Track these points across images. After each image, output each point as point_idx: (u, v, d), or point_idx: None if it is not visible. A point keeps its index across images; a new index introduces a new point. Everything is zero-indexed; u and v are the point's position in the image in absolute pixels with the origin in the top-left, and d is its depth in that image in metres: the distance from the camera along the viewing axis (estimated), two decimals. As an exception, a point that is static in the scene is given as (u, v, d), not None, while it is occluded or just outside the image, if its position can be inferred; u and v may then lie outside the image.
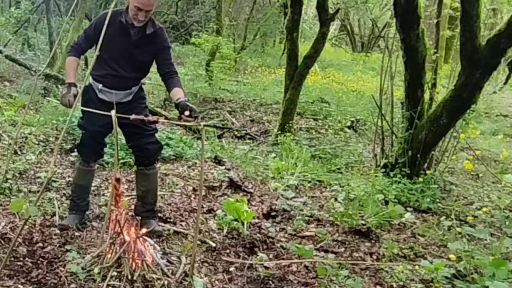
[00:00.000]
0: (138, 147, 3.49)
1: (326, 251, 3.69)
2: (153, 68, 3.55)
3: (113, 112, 2.84)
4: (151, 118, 3.18)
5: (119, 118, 3.10)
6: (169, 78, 3.41)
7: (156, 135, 3.56)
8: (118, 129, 3.04)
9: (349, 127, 8.06)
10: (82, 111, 3.49)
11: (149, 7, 3.19)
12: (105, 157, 4.94)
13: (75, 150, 5.04)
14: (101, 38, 2.72)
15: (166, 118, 7.12)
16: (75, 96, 3.20)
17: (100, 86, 3.40)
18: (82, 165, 3.59)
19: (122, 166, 4.92)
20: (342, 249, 3.76)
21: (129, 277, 2.79)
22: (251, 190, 4.83)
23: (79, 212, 3.60)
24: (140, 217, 3.64)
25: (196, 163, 5.51)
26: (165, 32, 3.46)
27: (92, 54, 2.88)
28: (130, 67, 3.38)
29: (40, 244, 3.20)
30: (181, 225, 3.86)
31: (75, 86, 3.28)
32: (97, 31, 3.18)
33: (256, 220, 4.10)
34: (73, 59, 3.39)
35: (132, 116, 3.16)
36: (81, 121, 3.52)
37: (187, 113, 3.08)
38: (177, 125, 6.77)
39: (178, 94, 3.30)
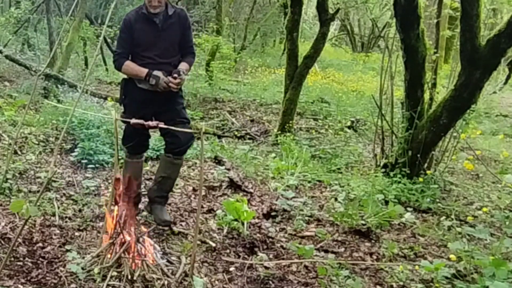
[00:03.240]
0: (170, 133, 3.53)
1: (326, 251, 3.69)
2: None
3: (113, 113, 2.84)
4: (151, 123, 3.20)
5: (157, 106, 3.46)
6: (183, 56, 3.62)
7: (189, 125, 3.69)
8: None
9: (349, 127, 8.06)
10: (123, 105, 3.62)
11: None
12: (105, 157, 4.96)
13: (75, 149, 5.09)
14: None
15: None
16: (164, 74, 3.42)
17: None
18: (129, 158, 3.71)
19: (122, 166, 4.92)
20: (342, 249, 3.76)
21: (129, 277, 2.79)
22: (251, 190, 4.83)
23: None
24: (149, 200, 3.74)
25: (196, 163, 5.51)
26: (186, 13, 3.65)
27: (92, 55, 2.89)
28: (164, 52, 3.52)
29: (40, 244, 3.20)
30: (181, 225, 3.86)
31: (152, 71, 3.43)
32: (129, 30, 3.48)
33: (256, 220, 4.10)
34: (128, 62, 3.53)
35: (133, 121, 3.20)
36: (122, 114, 3.63)
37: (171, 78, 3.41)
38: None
39: (179, 66, 3.53)
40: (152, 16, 3.47)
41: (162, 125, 3.17)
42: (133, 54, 3.54)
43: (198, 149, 5.82)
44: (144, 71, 3.44)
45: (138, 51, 3.52)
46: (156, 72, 3.41)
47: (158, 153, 5.59)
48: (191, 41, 3.71)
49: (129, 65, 3.51)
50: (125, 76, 3.60)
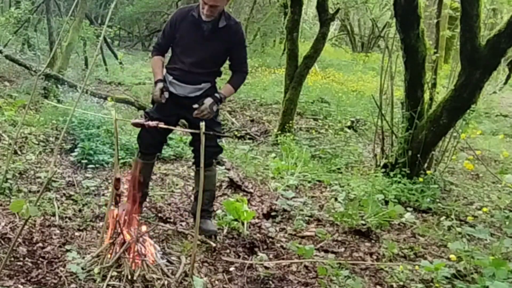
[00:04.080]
0: (196, 147, 3.50)
1: (326, 251, 3.69)
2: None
3: (113, 113, 2.84)
4: (150, 123, 3.19)
5: (187, 114, 3.36)
6: (233, 73, 3.52)
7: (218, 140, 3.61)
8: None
9: (349, 127, 8.06)
10: (152, 104, 3.56)
11: (213, 1, 3.21)
12: (105, 157, 4.96)
13: (75, 149, 5.09)
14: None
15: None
16: (161, 89, 3.30)
17: (171, 78, 3.46)
18: (139, 157, 3.62)
19: (122, 166, 4.92)
20: (342, 249, 3.76)
21: (129, 277, 2.79)
22: (251, 190, 4.83)
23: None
24: (193, 216, 3.70)
25: (196, 163, 5.51)
26: (240, 27, 3.47)
27: (92, 55, 2.89)
28: (201, 62, 3.40)
29: (40, 244, 3.20)
30: (181, 225, 3.86)
31: (162, 81, 3.35)
32: (173, 27, 3.37)
33: (256, 220, 4.10)
34: (157, 58, 3.47)
35: (133, 120, 3.19)
36: (149, 109, 3.57)
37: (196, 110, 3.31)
38: (177, 130, 6.74)
39: (222, 89, 3.44)
40: (201, 22, 3.31)
41: (162, 125, 3.16)
42: (173, 53, 3.47)
43: (198, 149, 5.81)
44: (156, 76, 3.37)
45: (177, 52, 3.43)
46: (159, 84, 3.31)
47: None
48: (243, 57, 3.52)
49: (155, 61, 3.45)
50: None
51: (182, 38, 3.38)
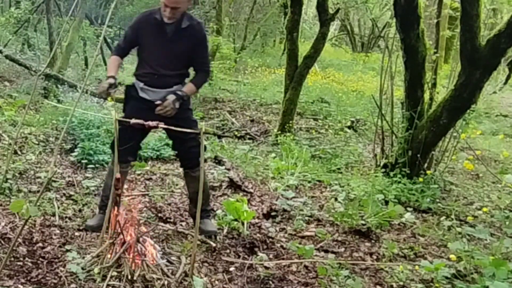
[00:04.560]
0: (181, 151, 3.50)
1: (326, 251, 3.69)
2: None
3: (113, 113, 2.84)
4: (151, 123, 3.18)
5: (164, 119, 3.25)
6: (195, 73, 3.49)
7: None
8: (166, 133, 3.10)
9: (349, 127, 8.06)
10: (124, 107, 3.53)
11: (174, 4, 3.21)
12: (105, 157, 4.95)
13: (75, 149, 5.09)
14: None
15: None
16: (110, 84, 3.24)
17: (142, 84, 3.44)
18: (113, 165, 3.53)
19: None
20: (342, 249, 3.76)
21: (129, 277, 2.79)
22: (251, 190, 4.83)
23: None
24: (191, 217, 3.69)
25: (196, 163, 5.50)
26: (202, 27, 3.47)
27: (92, 55, 2.89)
28: (168, 64, 3.39)
29: (40, 244, 3.20)
30: (181, 225, 3.86)
31: (113, 77, 3.30)
32: (135, 31, 3.37)
33: (256, 220, 4.10)
34: (115, 58, 3.46)
35: (133, 121, 3.18)
36: (122, 117, 3.51)
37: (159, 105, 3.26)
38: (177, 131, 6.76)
39: (184, 87, 3.39)
40: (163, 24, 3.31)
41: (162, 125, 3.16)
42: (140, 59, 3.46)
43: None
44: (109, 72, 3.33)
45: (144, 56, 3.43)
46: (109, 79, 3.26)
47: (158, 153, 5.59)
48: (205, 57, 3.52)
49: (112, 60, 3.44)
50: (129, 83, 3.54)
51: (146, 42, 3.37)
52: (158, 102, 3.28)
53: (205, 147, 3.59)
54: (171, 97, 3.30)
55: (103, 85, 3.28)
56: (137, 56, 3.49)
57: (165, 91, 3.39)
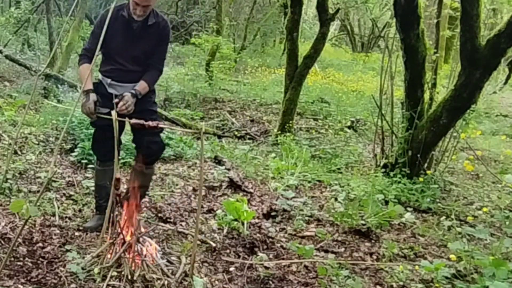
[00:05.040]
0: (141, 145, 3.48)
1: (326, 251, 3.69)
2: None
3: (113, 113, 2.84)
4: (151, 123, 3.18)
5: (131, 114, 3.24)
6: (149, 69, 3.45)
7: (161, 134, 3.58)
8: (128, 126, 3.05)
9: (349, 127, 8.07)
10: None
11: (145, 2, 3.24)
12: (105, 157, 4.95)
13: (75, 149, 5.09)
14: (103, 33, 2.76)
15: (167, 119, 7.13)
16: (95, 102, 3.26)
17: (109, 80, 3.44)
18: (98, 165, 3.60)
19: (122, 166, 4.92)
20: (342, 249, 3.76)
21: (129, 277, 2.79)
22: (251, 190, 4.83)
23: (104, 213, 3.43)
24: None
25: (196, 163, 5.51)
26: (167, 24, 3.48)
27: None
28: (135, 59, 3.41)
29: (40, 244, 3.20)
30: (181, 225, 3.86)
31: (93, 92, 3.30)
32: (102, 28, 3.26)
33: (256, 220, 4.10)
34: (86, 66, 3.40)
35: (133, 121, 3.18)
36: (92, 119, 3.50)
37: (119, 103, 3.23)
38: (177, 129, 6.77)
39: (137, 86, 3.36)
40: (131, 21, 3.34)
41: (162, 125, 3.15)
42: (105, 55, 3.44)
43: (198, 149, 5.82)
44: (86, 85, 3.28)
45: (110, 53, 3.41)
46: (91, 96, 3.25)
47: None
48: (163, 55, 3.51)
49: (84, 69, 3.37)
50: (96, 80, 3.50)
51: (113, 38, 3.35)
52: (116, 100, 3.26)
53: (163, 144, 3.58)
54: (127, 94, 3.29)
55: (88, 106, 3.25)
56: (102, 54, 3.46)
57: (132, 85, 3.40)
